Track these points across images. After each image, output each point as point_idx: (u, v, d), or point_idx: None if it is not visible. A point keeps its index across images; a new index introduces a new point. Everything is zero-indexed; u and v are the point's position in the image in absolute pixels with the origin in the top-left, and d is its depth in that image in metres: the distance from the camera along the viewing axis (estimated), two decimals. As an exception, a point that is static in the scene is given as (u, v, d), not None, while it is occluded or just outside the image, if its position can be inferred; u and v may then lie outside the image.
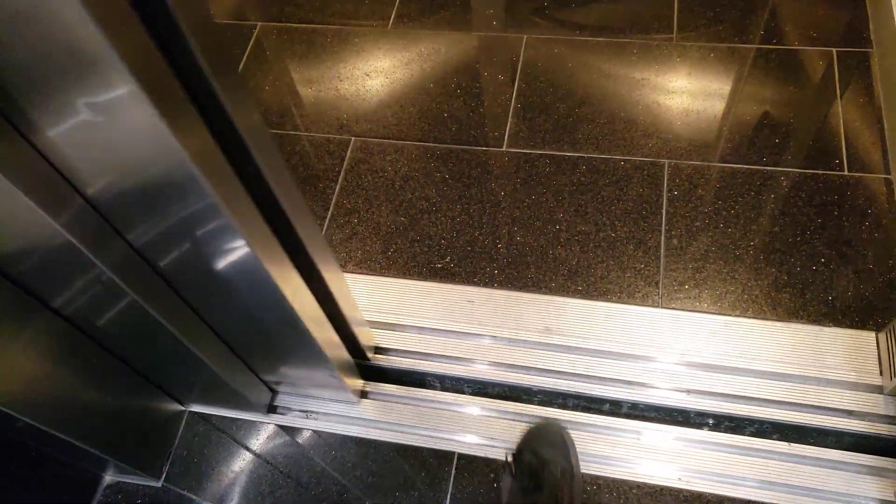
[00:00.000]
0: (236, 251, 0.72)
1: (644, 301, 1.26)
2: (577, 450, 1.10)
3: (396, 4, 1.77)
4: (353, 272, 1.34)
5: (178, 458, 1.16)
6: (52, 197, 0.62)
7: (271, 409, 1.20)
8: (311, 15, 1.78)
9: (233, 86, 0.61)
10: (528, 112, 1.54)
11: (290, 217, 0.78)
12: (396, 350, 1.24)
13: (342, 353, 1.08)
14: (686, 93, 1.54)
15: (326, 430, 1.17)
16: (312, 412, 1.20)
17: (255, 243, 0.71)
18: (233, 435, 1.19)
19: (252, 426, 1.19)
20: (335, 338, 1.03)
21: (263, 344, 0.99)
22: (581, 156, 1.46)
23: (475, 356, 1.22)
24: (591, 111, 1.53)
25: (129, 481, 1.15)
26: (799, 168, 1.40)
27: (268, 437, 1.18)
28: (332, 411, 1.20)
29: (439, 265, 1.34)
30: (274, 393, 1.22)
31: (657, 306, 1.26)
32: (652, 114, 1.51)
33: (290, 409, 1.21)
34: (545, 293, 1.29)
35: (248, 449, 1.17)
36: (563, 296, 1.28)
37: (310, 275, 0.88)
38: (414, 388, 1.21)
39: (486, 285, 1.31)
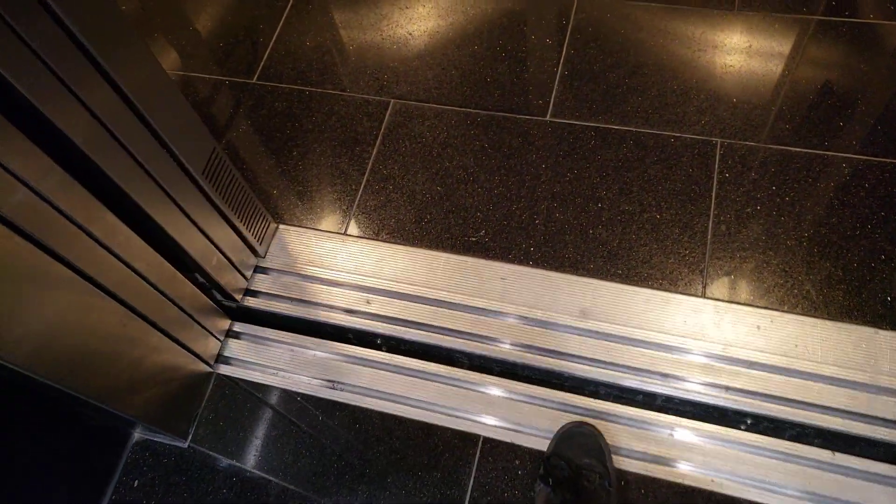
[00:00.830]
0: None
1: (687, 289, 1.13)
2: (608, 442, 1.00)
3: (444, -41, 1.60)
4: (385, 241, 1.24)
5: (205, 419, 1.10)
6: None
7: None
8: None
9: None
10: (575, 80, 1.38)
11: (106, 172, 0.79)
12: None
13: (190, 292, 1.05)
14: (744, 67, 1.36)
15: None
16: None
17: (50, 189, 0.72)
18: (260, 399, 1.12)
19: (277, 392, 1.12)
20: (178, 275, 1.00)
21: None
22: (629, 130, 1.30)
23: (503, 336, 1.11)
24: (643, 82, 1.36)
25: (157, 440, 1.09)
26: (863, 154, 1.23)
27: (293, 404, 1.10)
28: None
29: (473, 239, 1.22)
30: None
31: (700, 296, 1.13)
32: (706, 88, 1.34)
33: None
34: (583, 275, 1.16)
35: (274, 414, 1.10)
36: (602, 279, 1.16)
37: (132, 214, 0.88)
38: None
39: (520, 262, 1.19)
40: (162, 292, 0.97)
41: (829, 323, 1.08)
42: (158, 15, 1.63)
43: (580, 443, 0.98)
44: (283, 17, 1.55)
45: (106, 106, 0.77)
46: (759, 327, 1.09)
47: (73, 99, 0.73)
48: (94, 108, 0.75)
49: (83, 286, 0.81)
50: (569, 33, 1.45)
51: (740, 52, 1.38)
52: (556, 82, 1.38)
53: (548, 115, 1.35)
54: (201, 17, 1.60)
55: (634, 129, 1.30)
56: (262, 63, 1.48)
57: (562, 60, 1.41)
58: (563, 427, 1.00)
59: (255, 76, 1.46)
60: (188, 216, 0.99)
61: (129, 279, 0.89)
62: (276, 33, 1.53)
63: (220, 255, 1.09)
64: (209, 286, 1.12)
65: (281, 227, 1.26)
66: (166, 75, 0.87)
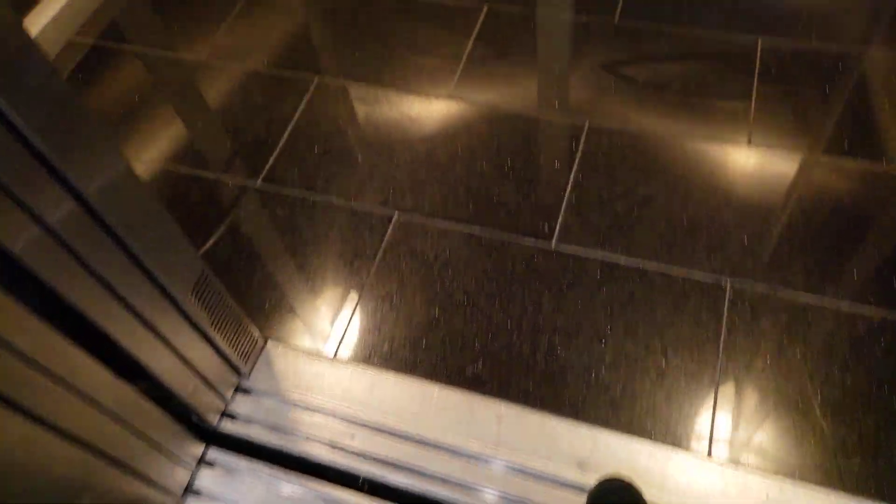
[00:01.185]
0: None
1: (691, 448, 1.04)
2: None
3: (458, 73, 1.59)
4: (377, 366, 1.15)
5: (164, 559, 0.99)
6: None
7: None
8: (370, 74, 1.61)
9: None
10: (582, 206, 1.34)
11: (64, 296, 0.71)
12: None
13: (161, 420, 0.96)
14: (756, 204, 1.31)
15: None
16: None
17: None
18: (226, 536, 1.01)
19: (247, 532, 1.01)
20: (148, 404, 0.92)
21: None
22: (636, 266, 1.24)
23: (495, 486, 1.01)
24: (652, 213, 1.31)
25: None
26: (879, 306, 1.16)
27: (262, 547, 1.00)
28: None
29: (469, 372, 1.14)
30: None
31: (706, 455, 1.03)
32: (717, 224, 1.29)
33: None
34: (583, 420, 1.07)
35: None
36: (603, 427, 1.07)
37: (97, 340, 0.79)
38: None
39: (518, 401, 1.10)
40: (129, 426, 0.88)
41: (843, 496, 0.98)
42: (166, 108, 1.60)
43: (616, 499, 0.91)
44: (294, 121, 1.52)
45: (63, 218, 0.67)
46: (768, 496, 0.99)
47: (17, 208, 0.63)
48: (48, 218, 0.65)
49: (31, 431, 0.72)
50: (578, 158, 1.41)
51: (752, 189, 1.34)
52: (563, 208, 1.34)
53: (553, 242, 1.29)
54: (211, 114, 1.57)
55: (642, 266, 1.24)
56: (269, 165, 1.44)
57: (570, 185, 1.37)
58: (595, 484, 0.94)
59: (260, 179, 1.42)
60: (166, 342, 0.91)
61: (91, 417, 0.80)
62: (285, 136, 1.49)
63: (200, 379, 1.01)
64: (183, 409, 1.03)
65: (269, 343, 1.18)
66: (142, 185, 0.78)
